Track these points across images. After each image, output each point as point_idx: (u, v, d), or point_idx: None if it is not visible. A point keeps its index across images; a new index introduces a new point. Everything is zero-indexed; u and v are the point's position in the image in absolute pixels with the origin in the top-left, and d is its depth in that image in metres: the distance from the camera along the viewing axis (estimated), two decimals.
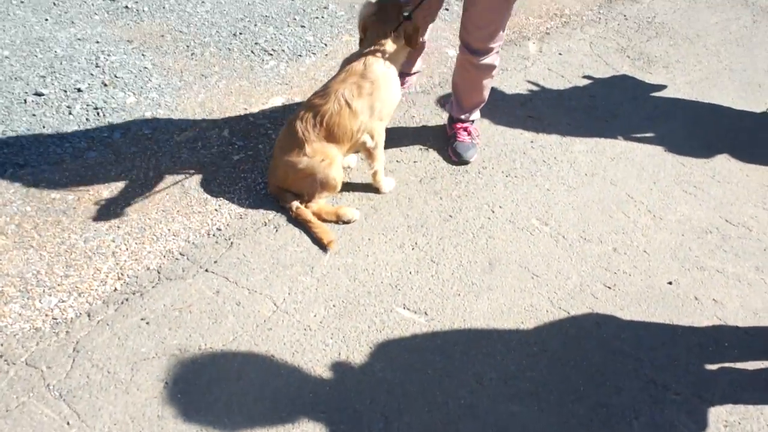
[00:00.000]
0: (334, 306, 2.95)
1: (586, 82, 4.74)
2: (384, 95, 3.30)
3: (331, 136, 3.27)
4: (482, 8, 3.37)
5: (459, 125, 3.93)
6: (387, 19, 3.29)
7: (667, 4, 5.97)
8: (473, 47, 3.56)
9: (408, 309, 2.97)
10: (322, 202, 3.41)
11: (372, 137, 3.40)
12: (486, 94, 3.89)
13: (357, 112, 3.25)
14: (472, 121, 3.99)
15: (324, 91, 3.30)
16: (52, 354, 2.68)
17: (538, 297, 3.09)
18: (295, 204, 3.36)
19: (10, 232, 3.18)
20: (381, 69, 3.28)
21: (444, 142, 3.96)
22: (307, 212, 3.33)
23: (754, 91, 4.85)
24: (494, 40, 3.52)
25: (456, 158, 3.84)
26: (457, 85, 3.88)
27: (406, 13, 3.26)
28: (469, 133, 3.92)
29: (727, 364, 2.92)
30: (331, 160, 3.29)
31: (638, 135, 4.23)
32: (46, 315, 2.84)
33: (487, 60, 3.61)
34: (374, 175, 3.57)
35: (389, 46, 3.30)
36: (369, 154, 3.48)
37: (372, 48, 3.30)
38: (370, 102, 3.26)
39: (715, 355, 2.95)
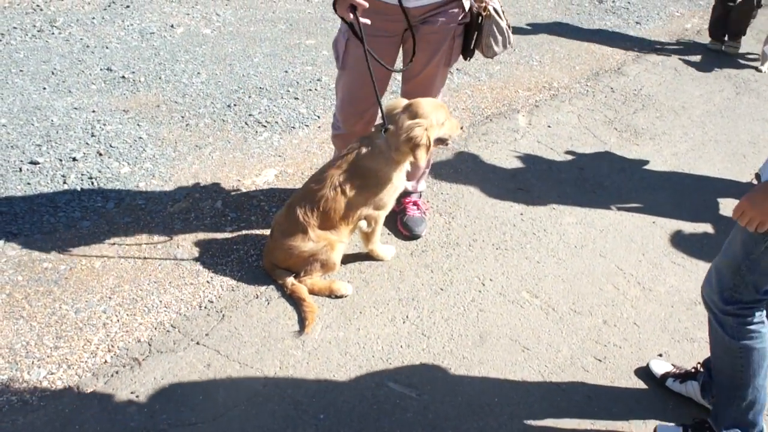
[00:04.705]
0: (325, 380, 2.94)
1: (575, 154, 4.83)
2: (379, 187, 3.30)
3: (328, 220, 3.29)
4: (419, 81, 3.40)
5: (408, 200, 3.89)
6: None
7: (652, 77, 6.12)
8: None
9: (399, 383, 2.95)
10: (315, 278, 3.43)
11: (369, 224, 3.43)
12: (427, 162, 3.87)
13: (352, 201, 3.26)
14: (420, 193, 3.99)
15: (320, 176, 3.31)
16: (39, 428, 2.64)
17: (529, 370, 3.08)
18: (290, 280, 3.37)
19: (1, 302, 3.18)
20: (374, 161, 3.24)
21: (390, 217, 3.84)
22: (303, 289, 3.33)
23: (739, 162, 4.94)
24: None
25: (407, 232, 3.82)
26: None
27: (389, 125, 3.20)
28: (419, 207, 3.91)
29: None
30: (333, 246, 3.33)
31: (627, 206, 4.28)
32: (35, 387, 2.81)
33: None
34: (371, 251, 3.60)
35: (382, 141, 3.22)
36: (365, 236, 3.52)
37: (371, 139, 3.28)
38: (365, 192, 3.28)
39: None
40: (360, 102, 3.43)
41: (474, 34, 3.33)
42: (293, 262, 3.37)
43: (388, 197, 3.37)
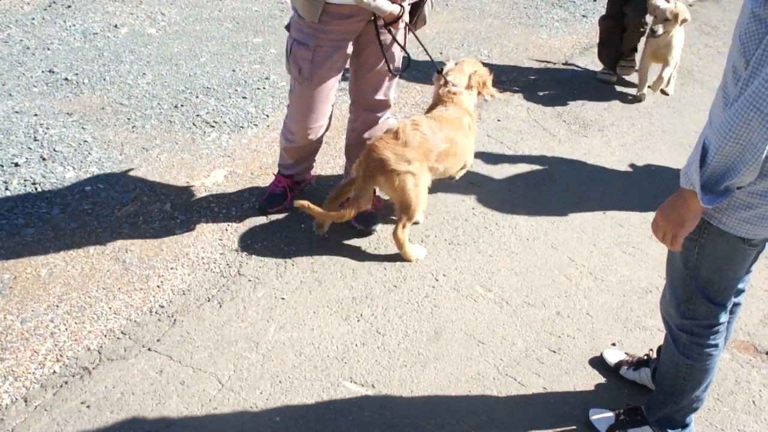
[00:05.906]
0: (280, 382, 2.91)
1: (525, 147, 4.86)
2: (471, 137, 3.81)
3: (449, 155, 3.58)
4: (373, 69, 3.49)
5: None
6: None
7: (599, 68, 6.17)
8: (374, 106, 3.70)
9: (355, 382, 2.94)
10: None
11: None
12: None
13: (467, 146, 3.68)
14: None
15: (460, 112, 3.68)
16: None
17: (485, 364, 3.09)
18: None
19: None
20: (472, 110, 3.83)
21: None
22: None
23: (686, 151, 5.01)
24: (391, 90, 3.71)
25: (363, 226, 3.79)
26: (356, 150, 3.73)
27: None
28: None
29: None
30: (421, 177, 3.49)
31: (577, 198, 4.32)
32: None
33: (387, 114, 3.81)
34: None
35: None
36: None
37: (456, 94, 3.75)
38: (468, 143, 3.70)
39: None
40: (322, 112, 3.49)
41: (415, 17, 3.58)
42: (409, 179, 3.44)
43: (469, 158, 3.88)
